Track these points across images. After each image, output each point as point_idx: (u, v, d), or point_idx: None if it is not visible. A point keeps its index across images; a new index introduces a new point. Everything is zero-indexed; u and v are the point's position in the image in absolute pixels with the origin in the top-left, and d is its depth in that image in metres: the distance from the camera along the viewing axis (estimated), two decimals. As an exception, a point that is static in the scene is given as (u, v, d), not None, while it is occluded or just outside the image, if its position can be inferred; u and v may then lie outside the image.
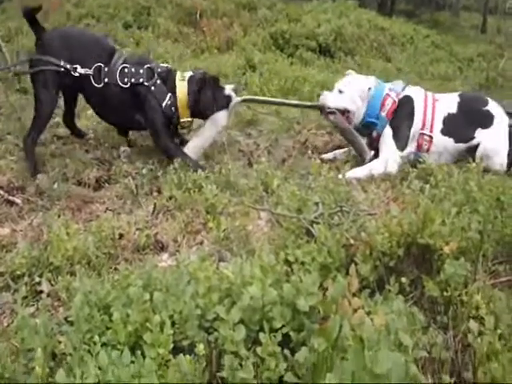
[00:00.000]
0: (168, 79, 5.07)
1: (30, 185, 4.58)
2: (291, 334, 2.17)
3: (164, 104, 4.96)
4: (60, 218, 3.86)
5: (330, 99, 5.37)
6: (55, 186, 4.53)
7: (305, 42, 11.69)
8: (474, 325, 2.20)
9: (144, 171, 4.76)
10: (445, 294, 2.54)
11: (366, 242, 2.82)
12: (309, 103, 5.82)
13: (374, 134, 5.31)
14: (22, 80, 7.51)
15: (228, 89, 5.26)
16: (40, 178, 4.68)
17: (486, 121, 5.26)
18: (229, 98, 5.20)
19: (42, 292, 3.09)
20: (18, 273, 3.19)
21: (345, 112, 5.32)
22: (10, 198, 4.36)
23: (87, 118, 6.38)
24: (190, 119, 5.15)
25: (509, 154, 5.18)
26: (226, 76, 8.57)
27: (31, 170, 4.78)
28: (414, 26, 16.25)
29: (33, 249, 3.36)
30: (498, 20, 24.60)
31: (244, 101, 5.65)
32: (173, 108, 5.00)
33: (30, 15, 4.86)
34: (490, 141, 5.16)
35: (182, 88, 5.04)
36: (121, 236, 3.64)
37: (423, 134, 5.20)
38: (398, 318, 2.04)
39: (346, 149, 5.63)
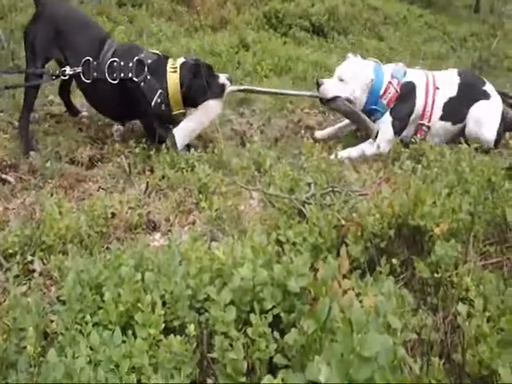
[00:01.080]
0: (159, 70, 4.98)
1: (22, 163, 4.58)
2: (282, 315, 2.18)
3: (153, 102, 4.88)
4: (53, 196, 3.87)
5: (331, 89, 5.32)
6: (48, 164, 4.53)
7: (298, 22, 11.59)
8: (462, 307, 2.21)
9: (137, 150, 4.77)
10: (435, 275, 2.54)
11: (357, 223, 2.83)
12: (308, 93, 5.75)
13: (372, 119, 5.30)
14: (16, 57, 7.47)
15: (222, 77, 5.18)
16: (33, 155, 4.67)
17: (482, 98, 5.30)
18: (223, 87, 5.13)
19: (34, 271, 3.09)
20: (11, 251, 3.19)
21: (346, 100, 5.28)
22: (3, 176, 4.37)
23: (80, 95, 6.35)
24: (183, 110, 5.08)
25: (498, 132, 5.20)
26: (219, 55, 8.53)
27: (24, 147, 4.77)
28: (408, 6, 16.11)
29: (25, 227, 3.35)
30: (491, 0, 24.48)
31: (240, 90, 5.58)
32: (163, 105, 4.93)
33: None
34: (482, 110, 5.24)
35: (173, 80, 4.97)
36: (113, 215, 3.65)
37: (422, 124, 5.22)
38: (388, 300, 2.05)
39: (337, 127, 5.64)
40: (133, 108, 5.01)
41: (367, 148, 5.08)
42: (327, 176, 3.86)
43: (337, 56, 8.27)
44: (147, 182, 4.19)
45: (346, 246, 2.62)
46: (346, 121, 5.66)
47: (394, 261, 2.62)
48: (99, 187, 4.31)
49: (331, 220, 2.93)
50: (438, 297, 2.53)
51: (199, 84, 5.00)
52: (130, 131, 5.40)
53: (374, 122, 5.29)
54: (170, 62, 5.08)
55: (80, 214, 3.59)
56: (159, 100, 4.90)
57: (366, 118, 5.23)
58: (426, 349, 2.17)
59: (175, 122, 5.22)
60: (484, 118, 5.19)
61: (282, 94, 6.04)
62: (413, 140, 5.04)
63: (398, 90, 5.24)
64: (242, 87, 5.72)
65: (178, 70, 5.01)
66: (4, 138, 5.03)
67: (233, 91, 5.37)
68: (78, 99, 5.99)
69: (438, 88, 5.31)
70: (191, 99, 5.03)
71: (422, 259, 2.65)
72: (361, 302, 2.01)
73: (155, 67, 4.97)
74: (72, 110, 5.71)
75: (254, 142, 5.18)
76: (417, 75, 5.42)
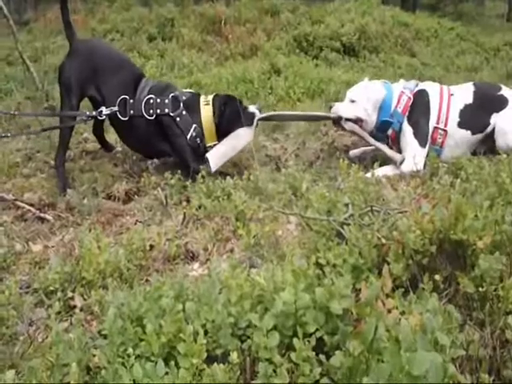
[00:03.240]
0: (193, 106, 5.08)
1: (60, 201, 4.62)
2: (325, 337, 2.14)
3: (189, 136, 5.00)
4: (91, 232, 3.87)
5: (342, 110, 5.37)
6: (85, 200, 4.57)
7: (329, 43, 11.62)
8: (512, 320, 2.16)
9: (172, 181, 4.77)
10: (480, 289, 2.49)
11: (397, 241, 2.78)
12: (323, 114, 5.77)
13: (390, 131, 5.30)
14: (50, 98, 7.61)
15: (252, 107, 5.29)
16: (70, 193, 4.72)
17: (501, 105, 5.24)
18: (253, 115, 5.18)
19: (75, 307, 3.10)
20: (52, 288, 3.19)
21: (357, 121, 5.31)
22: (42, 214, 4.41)
23: (113, 131, 6.42)
24: (216, 143, 5.13)
25: None
26: (251, 82, 8.58)
27: (61, 186, 4.83)
28: (438, 20, 16.09)
29: (65, 264, 3.37)
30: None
31: (265, 118, 5.60)
32: (198, 139, 5.03)
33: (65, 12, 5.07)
34: (504, 119, 5.16)
35: (207, 112, 5.08)
36: (151, 247, 3.65)
37: (437, 128, 5.17)
38: (434, 317, 2.00)
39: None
40: (168, 144, 5.08)
41: (403, 167, 5.03)
42: (365, 196, 3.83)
43: (369, 75, 8.24)
44: (184, 213, 4.18)
45: (388, 264, 2.58)
46: None
47: (437, 277, 2.57)
48: (136, 220, 4.32)
49: (371, 239, 2.89)
50: (484, 311, 2.47)
51: (232, 112, 5.09)
52: (165, 164, 5.42)
53: (390, 133, 5.30)
54: (203, 97, 5.20)
55: (118, 248, 3.61)
56: (194, 134, 5.01)
57: (384, 146, 5.24)
58: (474, 365, 2.11)
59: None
60: (507, 127, 5.12)
61: (302, 116, 6.07)
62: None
63: (411, 97, 5.24)
64: (270, 114, 5.72)
65: (211, 102, 5.11)
66: (41, 177, 5.13)
67: (262, 118, 5.38)
68: (111, 135, 6.06)
69: (452, 94, 5.29)
70: (225, 128, 5.09)
71: (465, 274, 2.60)
72: (406, 320, 1.96)
73: (189, 103, 5.09)
74: (106, 146, 5.79)
75: (289, 166, 5.17)
76: (429, 84, 5.45)
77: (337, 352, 1.98)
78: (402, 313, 2.14)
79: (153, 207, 4.51)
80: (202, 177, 4.64)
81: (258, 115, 5.24)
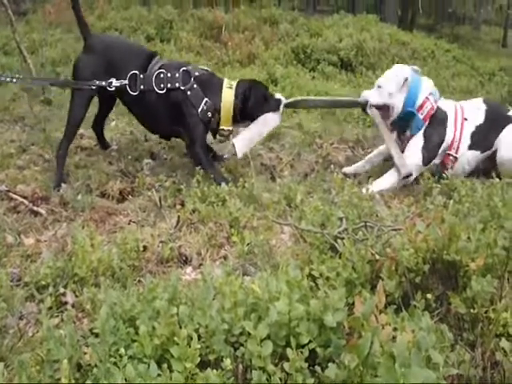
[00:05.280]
0: (209, 83, 5.08)
1: (54, 195, 4.62)
2: (318, 349, 2.16)
3: (200, 109, 4.95)
4: (84, 229, 3.88)
5: (369, 95, 5.42)
6: (79, 197, 4.56)
7: (326, 57, 11.71)
8: (505, 343, 2.18)
9: (167, 184, 4.79)
10: (471, 310, 2.52)
11: (391, 258, 2.81)
12: (350, 99, 5.87)
13: (408, 133, 5.31)
14: (46, 91, 7.59)
15: (277, 94, 5.34)
16: (64, 188, 4.71)
17: (507, 124, 5.29)
18: (279, 101, 5.22)
19: (66, 303, 3.09)
20: (43, 283, 3.19)
21: (384, 108, 5.33)
22: (35, 208, 4.39)
23: (111, 129, 6.43)
24: (230, 128, 5.12)
25: None
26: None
27: (56, 179, 4.82)
28: (435, 41, 16.23)
29: (57, 259, 3.36)
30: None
31: (291, 104, 5.67)
32: (209, 113, 4.98)
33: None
34: (509, 142, 5.21)
35: (228, 95, 5.06)
36: (145, 248, 3.65)
37: (449, 154, 5.21)
38: (427, 335, 2.02)
39: (365, 160, 5.64)
40: (180, 119, 5.05)
41: (394, 176, 5.04)
42: (359, 211, 3.86)
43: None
44: (178, 216, 4.19)
45: (382, 280, 2.61)
46: (374, 152, 5.68)
47: (429, 296, 2.59)
48: (130, 220, 4.32)
49: (365, 255, 2.92)
50: (475, 333, 2.50)
51: (257, 96, 5.12)
52: (161, 165, 5.43)
53: (408, 135, 5.31)
54: (226, 80, 5.20)
55: (112, 246, 3.62)
56: (205, 107, 4.97)
57: (394, 150, 5.22)
58: (465, 384, 2.14)
59: (215, 155, 5.45)
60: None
61: (328, 102, 6.15)
62: (443, 174, 5.04)
63: (435, 107, 5.24)
64: (293, 99, 5.79)
65: (235, 86, 5.13)
66: (35, 170, 5.12)
67: (288, 104, 5.46)
68: (108, 133, 6.06)
69: (466, 119, 5.31)
70: (249, 113, 5.11)
71: (457, 294, 2.63)
72: (398, 336, 1.99)
73: (206, 80, 5.10)
74: (103, 143, 5.78)
75: (284, 176, 5.21)
76: (446, 104, 5.42)
77: (330, 364, 1.99)
78: (395, 329, 2.15)
79: (147, 208, 4.51)
80: (197, 181, 4.65)
81: (284, 101, 5.28)
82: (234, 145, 4.96)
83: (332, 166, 5.51)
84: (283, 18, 15.25)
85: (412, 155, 5.17)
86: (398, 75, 5.28)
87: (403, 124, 5.31)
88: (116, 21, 13.34)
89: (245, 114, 5.10)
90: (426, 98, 5.25)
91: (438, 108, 5.28)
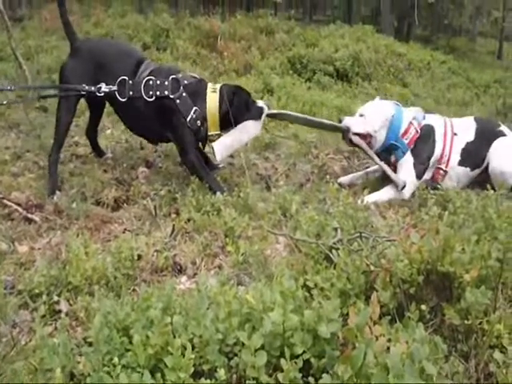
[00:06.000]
0: (198, 91, 5.03)
1: (48, 203, 4.59)
2: (312, 360, 2.16)
3: (189, 118, 4.89)
4: (78, 237, 3.87)
5: (352, 123, 5.41)
6: (74, 205, 4.54)
7: (322, 67, 11.73)
8: (498, 355, 2.19)
9: (162, 192, 4.78)
10: (465, 322, 2.52)
11: (385, 269, 2.81)
12: (334, 123, 5.76)
13: (393, 158, 5.34)
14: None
15: (260, 102, 5.26)
16: (58, 196, 4.70)
17: (498, 137, 5.34)
18: (261, 109, 5.16)
19: (60, 311, 3.08)
20: (37, 291, 3.17)
21: (367, 136, 5.35)
22: (29, 215, 4.36)
23: (106, 137, 6.42)
24: (218, 132, 5.06)
25: None
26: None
27: (50, 187, 4.81)
28: (431, 52, 16.33)
29: (51, 267, 3.35)
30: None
31: (273, 115, 5.62)
32: (198, 122, 4.92)
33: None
34: (503, 146, 5.29)
35: (212, 99, 5.00)
36: (139, 257, 3.64)
37: (439, 168, 5.25)
38: (421, 346, 2.02)
39: (362, 172, 5.66)
40: (168, 126, 5.01)
41: (392, 191, 5.07)
42: (354, 221, 3.86)
43: (361, 101, 8.29)
44: (173, 225, 4.19)
45: (376, 291, 2.61)
46: (372, 167, 5.70)
47: (423, 307, 2.60)
48: (125, 229, 4.31)
49: (359, 265, 2.92)
50: (469, 344, 2.50)
51: (239, 103, 5.05)
52: (156, 174, 5.42)
53: (393, 160, 5.33)
54: (210, 84, 5.13)
55: (106, 255, 3.60)
56: (194, 116, 4.90)
57: (386, 166, 5.25)
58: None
59: (208, 159, 5.39)
60: (505, 153, 5.21)
61: (309, 122, 5.99)
62: (434, 185, 5.09)
63: (419, 131, 5.28)
64: (279, 111, 5.75)
65: (218, 90, 5.05)
66: (30, 177, 5.09)
67: (270, 115, 5.41)
68: (103, 141, 6.06)
69: (455, 134, 5.35)
70: (232, 118, 5.00)
71: (451, 306, 2.63)
72: (391, 347, 1.99)
73: (194, 88, 5.02)
74: (97, 151, 5.77)
75: (279, 186, 5.20)
76: (435, 119, 5.48)
77: (324, 375, 1.99)
78: (389, 340, 2.16)
79: (142, 217, 4.50)
80: (192, 190, 4.65)
81: (267, 110, 5.22)
82: (213, 148, 4.91)
83: (327, 176, 5.50)
84: (279, 27, 15.30)
85: (405, 173, 5.20)
86: (383, 113, 5.37)
87: (387, 153, 5.38)
88: (112, 28, 13.34)
89: (228, 119, 5.01)
90: (410, 123, 5.33)
91: (424, 125, 5.36)
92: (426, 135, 5.30)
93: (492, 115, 9.11)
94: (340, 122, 5.53)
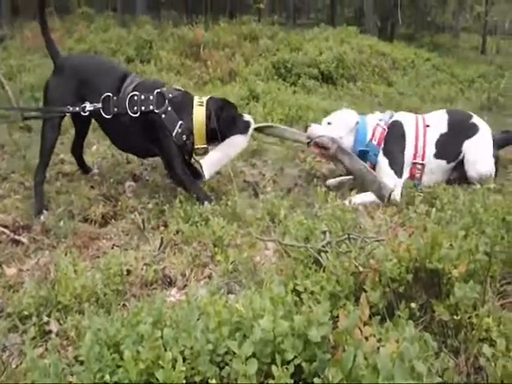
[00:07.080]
0: (184, 105, 4.99)
1: (35, 223, 4.56)
2: (303, 365, 2.15)
3: (174, 132, 4.85)
4: (67, 255, 3.84)
5: (318, 130, 5.51)
6: (61, 223, 4.52)
7: (307, 70, 11.74)
8: (487, 349, 2.19)
9: (150, 206, 4.77)
10: (455, 317, 2.52)
11: (374, 269, 2.80)
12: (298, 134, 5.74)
13: (368, 164, 5.34)
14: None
15: (247, 116, 5.25)
16: (45, 215, 4.68)
17: (472, 132, 5.41)
18: (248, 124, 5.15)
19: (50, 332, 3.05)
20: (26, 313, 3.15)
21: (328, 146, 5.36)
22: (16, 237, 4.33)
23: (92, 154, 6.40)
24: (205, 145, 5.04)
25: (494, 164, 5.37)
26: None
27: (37, 207, 4.79)
28: (415, 50, 16.38)
29: (40, 288, 3.33)
30: (497, 40, 24.74)
31: (260, 129, 5.58)
32: (184, 136, 4.89)
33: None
34: (475, 148, 5.35)
35: (199, 113, 4.96)
36: (128, 272, 3.62)
37: (416, 163, 5.27)
38: (411, 345, 2.02)
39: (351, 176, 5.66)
40: (154, 141, 4.97)
41: (394, 194, 5.07)
42: (342, 223, 3.86)
43: (346, 103, 8.32)
44: (161, 238, 4.18)
45: (365, 292, 2.61)
46: None
47: (413, 305, 2.60)
48: (113, 244, 4.29)
49: (348, 267, 2.91)
50: (458, 339, 2.51)
51: (226, 117, 5.03)
52: (143, 187, 5.41)
53: (373, 166, 5.35)
54: (196, 97, 5.10)
55: (95, 272, 3.59)
56: (180, 130, 4.86)
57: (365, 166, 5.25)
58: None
59: (196, 171, 5.27)
60: (478, 157, 5.30)
61: (296, 136, 5.95)
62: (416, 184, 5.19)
63: (386, 128, 5.37)
64: (263, 124, 5.76)
65: (205, 104, 5.02)
66: (16, 198, 5.05)
67: (257, 128, 5.40)
68: (89, 158, 6.04)
69: (428, 126, 5.41)
70: (218, 132, 4.99)
71: (440, 302, 2.63)
72: (383, 347, 1.98)
73: (179, 101, 4.99)
74: (84, 167, 5.76)
75: (267, 192, 5.20)
76: (404, 115, 5.59)
77: (316, 379, 1.98)
78: (379, 340, 2.15)
79: (130, 231, 4.48)
80: (180, 201, 4.65)
81: (253, 124, 5.22)
82: (201, 166, 4.89)
83: (315, 179, 5.50)
84: (263, 33, 15.36)
85: (385, 176, 5.21)
86: (347, 120, 5.52)
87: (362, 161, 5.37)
88: (95, 43, 13.35)
89: (215, 133, 5.00)
90: (377, 124, 5.41)
91: (392, 121, 5.44)
92: (395, 130, 5.37)
93: (477, 109, 9.12)
94: (307, 127, 5.64)
